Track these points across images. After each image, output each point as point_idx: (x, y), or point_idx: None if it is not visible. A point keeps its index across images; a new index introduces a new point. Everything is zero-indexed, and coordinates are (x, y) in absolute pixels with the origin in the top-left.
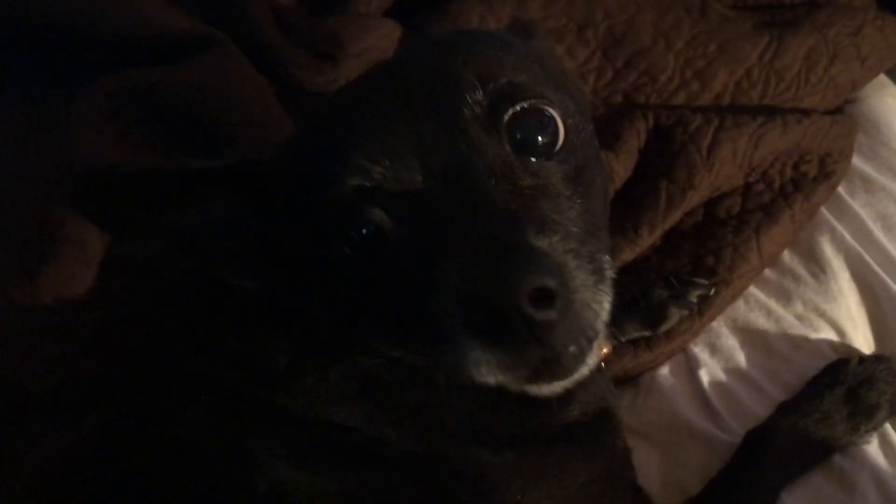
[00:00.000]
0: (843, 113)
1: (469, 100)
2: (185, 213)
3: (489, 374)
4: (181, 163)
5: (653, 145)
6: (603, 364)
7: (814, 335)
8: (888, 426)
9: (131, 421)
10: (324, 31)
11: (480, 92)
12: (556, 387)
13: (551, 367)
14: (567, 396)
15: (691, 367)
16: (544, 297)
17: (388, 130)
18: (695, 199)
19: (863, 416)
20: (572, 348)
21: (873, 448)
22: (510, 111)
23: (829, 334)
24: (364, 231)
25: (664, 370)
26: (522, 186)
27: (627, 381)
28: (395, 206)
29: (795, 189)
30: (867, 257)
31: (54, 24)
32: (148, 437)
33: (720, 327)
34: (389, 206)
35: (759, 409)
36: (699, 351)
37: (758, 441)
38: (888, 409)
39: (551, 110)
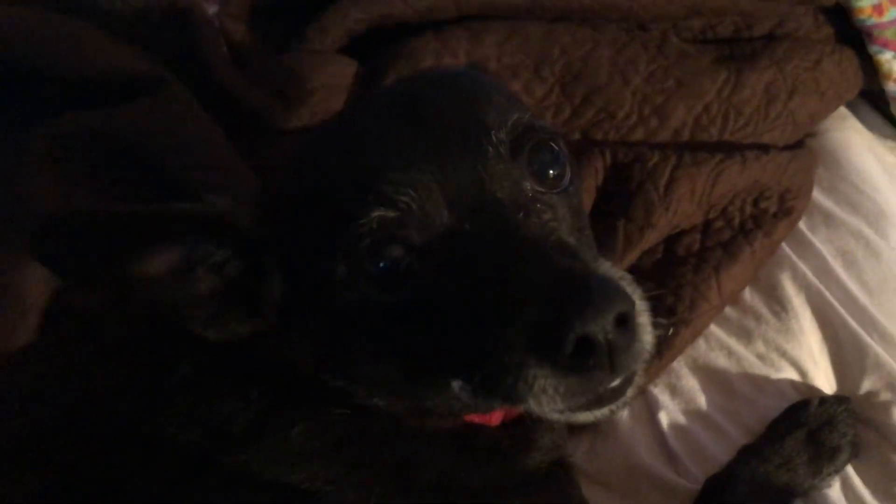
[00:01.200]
0: (803, 147)
1: (494, 138)
2: (151, 256)
3: (550, 402)
4: (146, 206)
5: (610, 183)
6: None
7: (775, 375)
8: (850, 469)
9: (76, 484)
10: (279, 68)
11: (503, 130)
12: (605, 412)
13: (612, 391)
14: (529, 442)
15: (651, 409)
16: (621, 323)
17: (411, 163)
18: (653, 237)
19: (824, 459)
20: (636, 372)
21: (835, 492)
22: (528, 147)
23: (790, 374)
24: (381, 265)
25: (623, 413)
26: (545, 219)
27: (586, 426)
28: (417, 239)
29: (755, 226)
30: (828, 295)
31: None
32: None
33: (680, 368)
34: (410, 240)
35: (720, 453)
36: (659, 392)
37: (718, 489)
38: (849, 451)
39: (558, 146)
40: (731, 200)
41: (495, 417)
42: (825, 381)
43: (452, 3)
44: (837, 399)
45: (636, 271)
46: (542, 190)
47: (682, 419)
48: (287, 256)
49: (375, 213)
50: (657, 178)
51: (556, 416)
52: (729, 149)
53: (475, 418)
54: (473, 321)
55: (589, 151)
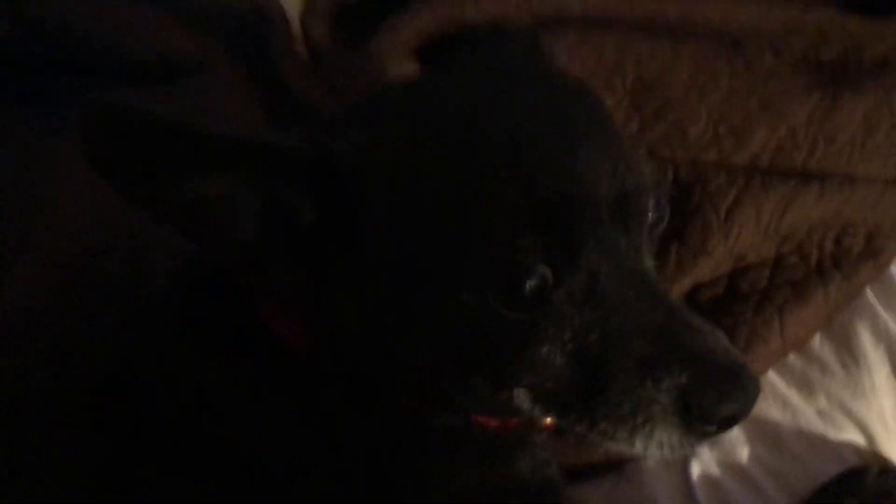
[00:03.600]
0: None
1: (650, 217)
2: (219, 177)
3: (655, 449)
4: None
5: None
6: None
7: (835, 436)
8: None
9: None
10: (344, 67)
11: (653, 210)
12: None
13: None
14: (523, 445)
15: (683, 457)
16: None
17: (594, 203)
18: (708, 266)
19: None
20: None
21: None
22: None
23: (854, 436)
24: (528, 282)
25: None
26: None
27: (610, 467)
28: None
29: (834, 265)
30: None
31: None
32: None
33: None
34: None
35: None
36: None
37: None
38: None
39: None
40: (809, 235)
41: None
42: (894, 451)
43: (526, 11)
44: None
45: (692, 306)
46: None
47: (716, 472)
48: (385, 225)
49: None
50: (718, 201)
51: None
52: (807, 176)
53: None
54: (606, 358)
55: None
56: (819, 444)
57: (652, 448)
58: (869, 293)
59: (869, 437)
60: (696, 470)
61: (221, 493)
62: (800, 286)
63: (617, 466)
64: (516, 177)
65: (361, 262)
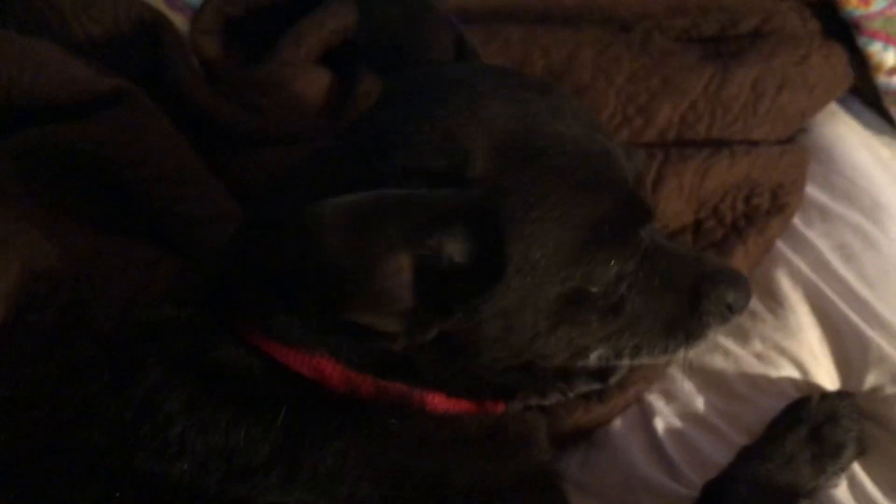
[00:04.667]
0: (794, 143)
1: None
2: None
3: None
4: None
5: None
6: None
7: (775, 374)
8: (856, 467)
9: None
10: (250, 81)
11: None
12: None
13: None
14: (532, 430)
15: (646, 416)
16: None
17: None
18: None
19: (828, 456)
20: None
21: (842, 492)
22: None
23: (791, 372)
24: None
25: (618, 422)
26: None
27: (580, 436)
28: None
29: (748, 223)
30: (827, 289)
31: None
32: None
33: (675, 371)
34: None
35: (720, 458)
36: (654, 399)
37: (717, 492)
38: (854, 448)
39: None
40: (722, 198)
41: (500, 406)
42: (827, 378)
43: None
44: (840, 394)
45: None
46: None
47: (678, 424)
48: (526, 245)
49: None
50: (644, 177)
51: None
52: (717, 144)
53: (488, 405)
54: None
55: None
56: (763, 384)
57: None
58: (780, 244)
59: (803, 370)
60: (660, 426)
61: None
62: (721, 245)
63: (586, 436)
64: (605, 184)
65: (513, 285)
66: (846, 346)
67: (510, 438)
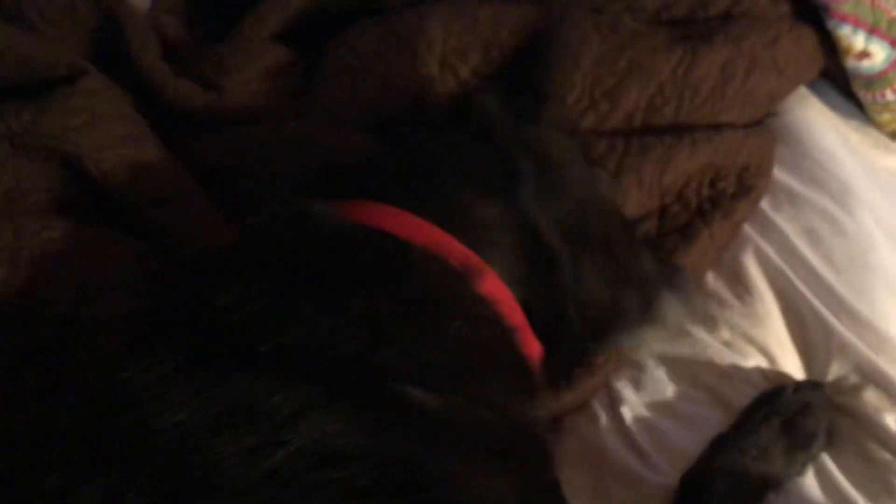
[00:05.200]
0: (762, 125)
1: None
2: None
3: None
4: None
5: None
6: None
7: (742, 362)
8: (824, 457)
9: None
10: (209, 59)
11: None
12: None
13: None
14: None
15: (614, 404)
16: None
17: None
18: None
19: (800, 447)
20: None
21: (810, 480)
22: None
23: (758, 361)
24: None
25: (587, 410)
26: None
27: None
28: None
29: (713, 207)
30: (793, 276)
31: None
32: None
33: (643, 360)
34: None
35: (690, 446)
36: (622, 386)
37: (696, 485)
38: (824, 438)
39: None
40: (687, 184)
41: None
42: (794, 367)
43: None
44: (812, 385)
45: None
46: None
47: (647, 413)
48: None
49: None
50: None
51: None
52: (678, 131)
53: None
54: None
55: None
56: (731, 373)
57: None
58: (748, 228)
59: (771, 358)
60: (627, 415)
61: None
62: (685, 230)
63: (556, 423)
64: None
65: None
66: (811, 334)
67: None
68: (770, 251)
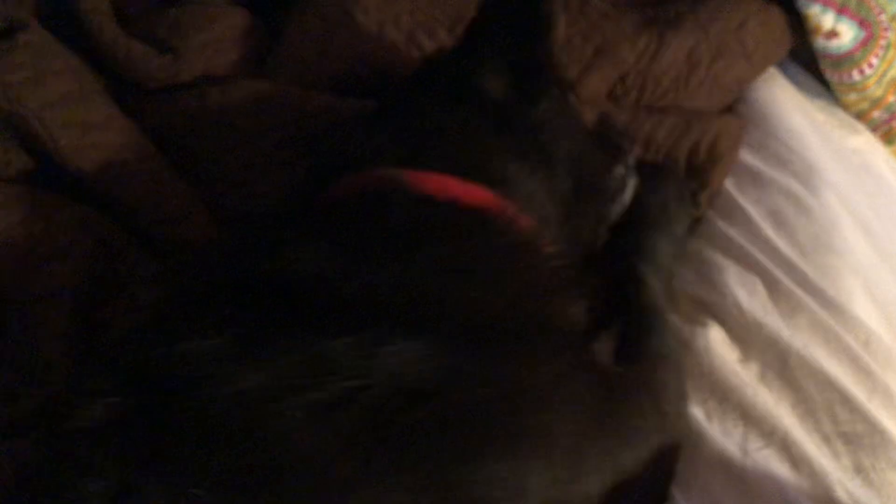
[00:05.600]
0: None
1: None
2: None
3: None
4: None
5: None
6: None
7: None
8: (791, 432)
9: None
10: (165, 21)
11: None
12: None
13: None
14: None
15: None
16: None
17: None
18: None
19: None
20: None
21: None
22: None
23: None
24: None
25: None
26: None
27: None
28: None
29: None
30: (760, 257)
31: None
32: None
33: None
34: None
35: None
36: None
37: None
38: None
39: None
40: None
41: None
42: None
43: None
44: None
45: None
46: None
47: None
48: None
49: None
50: None
51: None
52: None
53: None
54: None
55: None
56: None
57: None
58: (711, 212)
59: None
60: None
61: None
62: None
63: None
64: None
65: None
66: None
67: None
68: (733, 234)
